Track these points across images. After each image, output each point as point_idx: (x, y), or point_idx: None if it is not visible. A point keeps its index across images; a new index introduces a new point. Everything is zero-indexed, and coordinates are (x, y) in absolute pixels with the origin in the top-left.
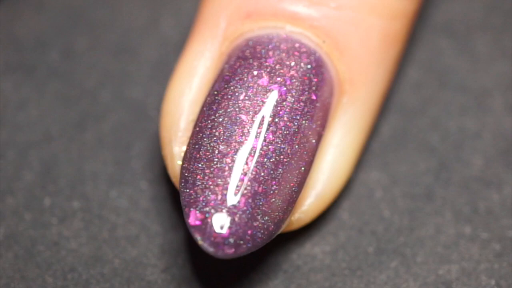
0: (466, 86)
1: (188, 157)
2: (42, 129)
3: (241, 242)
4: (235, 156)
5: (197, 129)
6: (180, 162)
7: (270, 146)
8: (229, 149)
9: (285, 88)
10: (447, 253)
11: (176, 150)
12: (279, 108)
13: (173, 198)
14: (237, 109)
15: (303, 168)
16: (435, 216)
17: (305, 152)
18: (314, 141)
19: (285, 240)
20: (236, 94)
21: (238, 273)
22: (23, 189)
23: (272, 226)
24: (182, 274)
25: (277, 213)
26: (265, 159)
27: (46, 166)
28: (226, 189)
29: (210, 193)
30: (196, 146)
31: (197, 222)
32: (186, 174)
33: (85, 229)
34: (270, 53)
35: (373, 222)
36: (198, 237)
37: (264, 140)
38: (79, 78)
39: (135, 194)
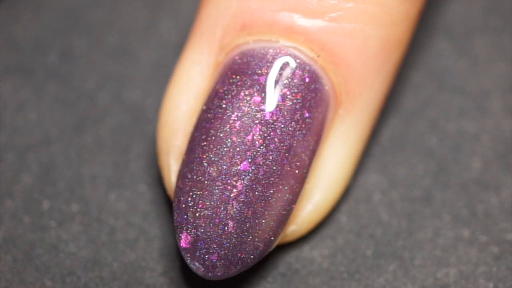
0: (465, 88)
1: (181, 176)
2: (40, 131)
3: (231, 264)
4: (224, 179)
5: (190, 147)
6: (175, 177)
7: (260, 169)
8: (219, 172)
9: (277, 108)
10: (446, 256)
11: (172, 163)
12: (270, 129)
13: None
14: (227, 130)
15: (295, 187)
16: (433, 219)
17: (296, 171)
18: (306, 158)
19: (283, 244)
20: (228, 114)
21: (236, 277)
22: (22, 192)
23: (262, 246)
24: (180, 277)
25: (267, 234)
26: (255, 182)
27: (45, 169)
28: (216, 213)
29: (200, 216)
30: (188, 166)
31: (188, 245)
32: (179, 194)
33: (83, 232)
34: (264, 69)
35: (371, 226)
36: (188, 259)
37: (254, 163)
38: (77, 80)
39: (134, 197)
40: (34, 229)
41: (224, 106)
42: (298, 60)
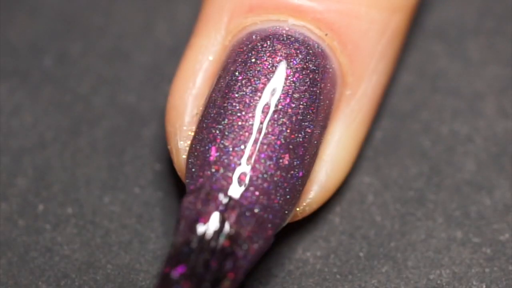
0: (458, 90)
1: (193, 152)
2: (35, 134)
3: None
4: (243, 148)
5: (202, 125)
6: (184, 156)
7: (269, 135)
8: (233, 143)
9: (288, 83)
10: (438, 258)
11: (181, 144)
12: (282, 103)
13: (166, 203)
14: (238, 109)
15: (306, 158)
16: (426, 220)
17: (306, 143)
18: (317, 132)
19: (276, 245)
20: (240, 93)
21: None
22: (17, 195)
23: (278, 220)
24: None
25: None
26: (265, 147)
27: (40, 172)
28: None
29: (222, 179)
30: (200, 143)
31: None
32: (193, 170)
33: (78, 235)
34: (273, 47)
35: (364, 227)
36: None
37: (267, 137)
38: (73, 83)
39: (128, 199)
40: (29, 232)
41: (235, 87)
42: (307, 38)
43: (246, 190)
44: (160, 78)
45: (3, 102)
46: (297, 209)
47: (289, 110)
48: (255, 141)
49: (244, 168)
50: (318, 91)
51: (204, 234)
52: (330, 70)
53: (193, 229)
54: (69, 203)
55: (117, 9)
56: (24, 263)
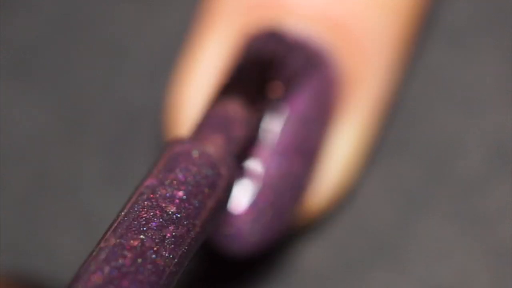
0: (460, 89)
1: None
2: (34, 133)
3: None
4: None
5: None
6: None
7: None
8: None
9: (296, 84)
10: (442, 256)
11: None
12: (289, 104)
13: None
14: None
15: (315, 161)
16: (429, 218)
17: (309, 145)
18: (325, 135)
19: (276, 243)
20: None
21: (229, 274)
22: (17, 194)
23: (287, 222)
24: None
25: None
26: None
27: (39, 171)
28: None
29: None
30: None
31: None
32: None
33: (79, 235)
34: (284, 44)
35: (367, 224)
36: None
37: (276, 139)
38: (72, 82)
39: None
40: (28, 232)
41: None
42: (313, 39)
43: (257, 191)
44: (161, 77)
45: (3, 100)
46: (305, 211)
47: (297, 111)
48: (265, 143)
49: (255, 169)
50: (325, 93)
51: None
52: (337, 72)
53: None
54: (68, 202)
55: (117, 7)
56: (24, 264)
